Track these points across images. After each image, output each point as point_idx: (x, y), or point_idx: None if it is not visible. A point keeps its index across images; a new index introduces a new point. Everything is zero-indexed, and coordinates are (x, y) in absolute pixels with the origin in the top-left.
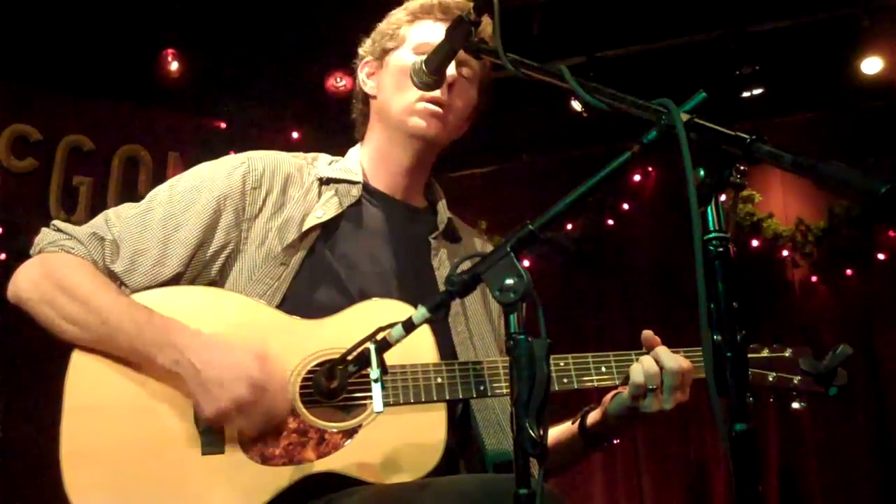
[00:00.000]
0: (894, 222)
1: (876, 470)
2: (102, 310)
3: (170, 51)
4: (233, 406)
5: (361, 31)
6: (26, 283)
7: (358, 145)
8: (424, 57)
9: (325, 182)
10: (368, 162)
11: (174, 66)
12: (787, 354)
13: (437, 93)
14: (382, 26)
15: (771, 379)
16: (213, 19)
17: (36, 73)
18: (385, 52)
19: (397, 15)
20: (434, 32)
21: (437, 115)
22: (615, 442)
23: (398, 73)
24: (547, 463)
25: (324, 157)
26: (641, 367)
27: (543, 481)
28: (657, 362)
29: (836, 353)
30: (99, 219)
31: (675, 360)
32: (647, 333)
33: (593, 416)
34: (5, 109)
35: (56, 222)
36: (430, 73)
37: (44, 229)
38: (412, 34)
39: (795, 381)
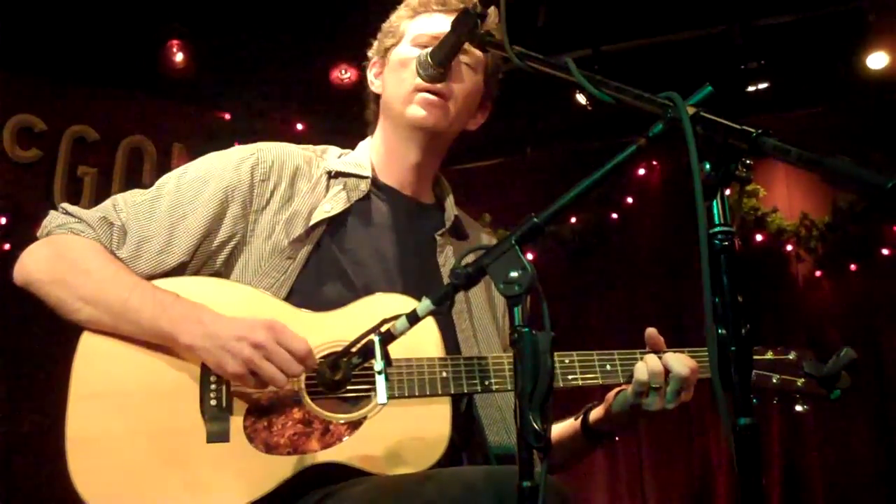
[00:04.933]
0: None
1: (879, 466)
2: (123, 289)
3: (175, 42)
4: (254, 353)
5: (366, 23)
6: (35, 263)
7: (368, 138)
8: (430, 49)
9: (333, 176)
10: (377, 156)
11: (179, 57)
12: (791, 357)
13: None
14: (385, 25)
15: (775, 381)
16: (219, 10)
17: (40, 63)
18: (387, 50)
19: (398, 13)
20: (431, 23)
21: (436, 104)
22: (616, 438)
23: (397, 66)
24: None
25: (333, 150)
26: (646, 366)
27: (546, 474)
28: (665, 367)
29: (840, 357)
30: (107, 203)
31: (683, 365)
32: (651, 332)
33: (596, 413)
34: (10, 100)
35: (65, 205)
36: (436, 66)
37: (52, 212)
38: (410, 28)
39: (799, 384)
